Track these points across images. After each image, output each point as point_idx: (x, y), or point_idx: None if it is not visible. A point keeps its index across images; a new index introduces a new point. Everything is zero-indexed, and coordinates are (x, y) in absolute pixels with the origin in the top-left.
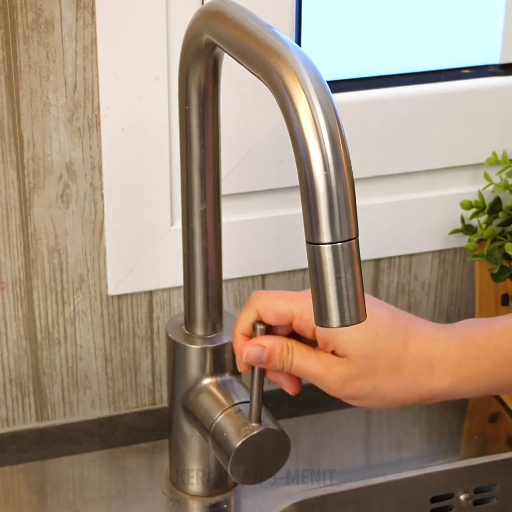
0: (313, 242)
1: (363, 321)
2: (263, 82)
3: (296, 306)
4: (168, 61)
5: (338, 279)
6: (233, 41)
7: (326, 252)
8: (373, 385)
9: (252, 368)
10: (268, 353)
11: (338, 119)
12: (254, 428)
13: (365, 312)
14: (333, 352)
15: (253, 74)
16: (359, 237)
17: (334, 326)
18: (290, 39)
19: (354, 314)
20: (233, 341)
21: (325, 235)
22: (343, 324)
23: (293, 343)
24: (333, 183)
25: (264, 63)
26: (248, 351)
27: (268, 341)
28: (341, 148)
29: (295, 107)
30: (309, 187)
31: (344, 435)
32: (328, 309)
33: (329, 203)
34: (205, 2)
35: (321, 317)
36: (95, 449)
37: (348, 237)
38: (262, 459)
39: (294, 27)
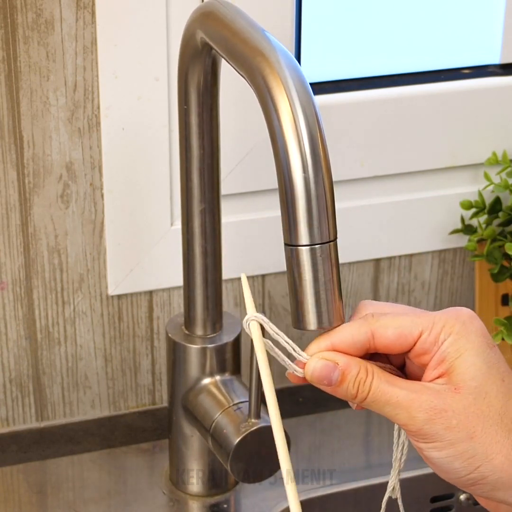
0: (291, 244)
1: (340, 325)
2: (247, 81)
3: (424, 320)
4: (168, 61)
5: (315, 281)
6: (222, 40)
7: (304, 254)
8: (472, 431)
9: (251, 364)
10: (341, 372)
11: (319, 121)
12: (254, 424)
13: (343, 316)
14: (443, 375)
15: (239, 73)
16: (338, 240)
17: (311, 328)
18: (277, 41)
19: (331, 317)
20: (308, 348)
21: (303, 237)
22: (320, 326)
23: (373, 367)
24: (312, 186)
25: (249, 63)
26: (314, 365)
27: (343, 359)
28: (321, 151)
29: (276, 108)
30: (287, 188)
31: (344, 435)
32: (305, 312)
33: (307, 205)
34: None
35: (298, 319)
36: (95, 449)
37: (326, 239)
38: (262, 457)
39: (294, 27)
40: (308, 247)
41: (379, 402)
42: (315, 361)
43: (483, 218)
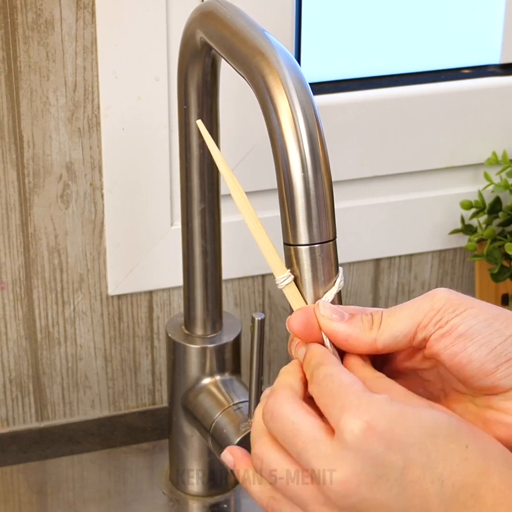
0: (290, 243)
1: None
2: (246, 81)
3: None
4: (168, 61)
5: (315, 281)
6: (222, 40)
7: (303, 253)
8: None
9: (251, 364)
10: (347, 313)
11: (318, 121)
12: None
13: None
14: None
15: (239, 73)
16: (337, 239)
17: None
18: (277, 40)
19: None
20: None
21: (302, 237)
22: None
23: None
24: (311, 185)
25: (248, 63)
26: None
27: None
28: (320, 150)
29: (276, 107)
30: (287, 188)
31: None
32: None
33: (307, 204)
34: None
35: None
36: (95, 449)
37: (325, 239)
38: None
39: (294, 27)
40: (307, 246)
41: (394, 315)
42: (323, 301)
43: (483, 218)
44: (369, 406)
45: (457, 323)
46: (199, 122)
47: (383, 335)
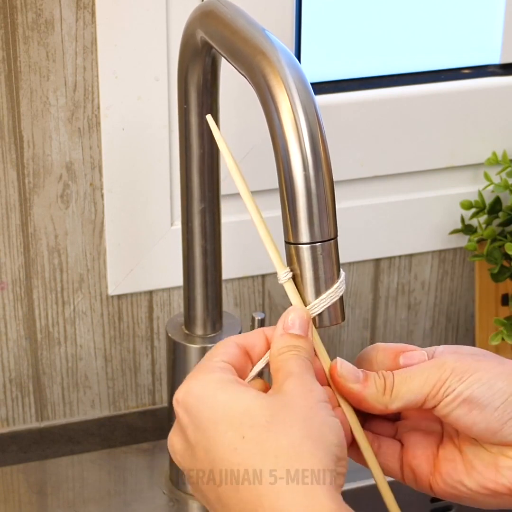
0: (291, 242)
1: (341, 322)
2: (247, 80)
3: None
4: (168, 61)
5: (316, 280)
6: (222, 39)
7: (305, 252)
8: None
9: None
10: (363, 372)
11: (319, 120)
12: None
13: (344, 315)
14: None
15: (240, 72)
16: (338, 237)
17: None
18: (278, 39)
19: (332, 317)
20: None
21: (304, 235)
22: (321, 325)
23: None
24: (312, 184)
25: (249, 62)
26: (341, 361)
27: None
28: (321, 149)
29: (277, 106)
30: (288, 186)
31: None
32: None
33: (308, 203)
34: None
35: None
36: (95, 449)
37: (327, 237)
38: None
39: (294, 27)
40: (308, 245)
41: (405, 383)
42: (341, 360)
43: (483, 218)
44: (192, 383)
45: (462, 389)
46: (209, 117)
47: (394, 402)
